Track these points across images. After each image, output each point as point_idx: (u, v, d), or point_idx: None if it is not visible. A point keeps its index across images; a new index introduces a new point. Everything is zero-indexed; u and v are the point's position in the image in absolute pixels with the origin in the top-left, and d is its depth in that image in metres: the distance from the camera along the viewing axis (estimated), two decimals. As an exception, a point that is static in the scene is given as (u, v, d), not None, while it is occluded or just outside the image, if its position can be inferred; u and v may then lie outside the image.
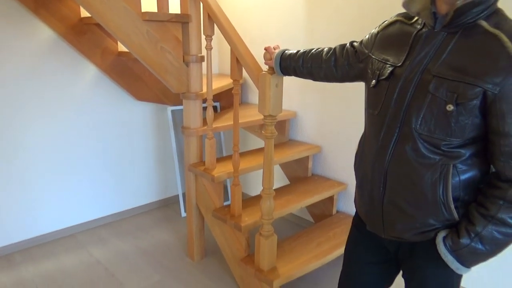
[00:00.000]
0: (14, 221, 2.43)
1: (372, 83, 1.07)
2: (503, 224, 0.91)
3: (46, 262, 2.35)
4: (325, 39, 2.44)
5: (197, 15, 2.03)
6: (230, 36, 1.84)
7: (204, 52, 2.15)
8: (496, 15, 0.91)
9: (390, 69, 1.02)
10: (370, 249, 1.22)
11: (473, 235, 0.94)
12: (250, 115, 2.56)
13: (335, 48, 1.34)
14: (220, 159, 2.34)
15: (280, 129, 2.76)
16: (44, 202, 2.53)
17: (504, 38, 0.86)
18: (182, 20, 2.00)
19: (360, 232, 1.24)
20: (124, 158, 2.87)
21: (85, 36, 2.42)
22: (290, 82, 2.70)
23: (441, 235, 0.99)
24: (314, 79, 1.45)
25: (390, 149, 1.01)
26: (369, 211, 1.12)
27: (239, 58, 1.83)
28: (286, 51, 1.51)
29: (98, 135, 2.70)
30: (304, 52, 1.44)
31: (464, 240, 0.95)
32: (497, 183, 0.94)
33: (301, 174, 2.69)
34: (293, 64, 1.47)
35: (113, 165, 2.82)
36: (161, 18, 1.93)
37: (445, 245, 0.98)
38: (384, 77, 1.03)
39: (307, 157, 2.62)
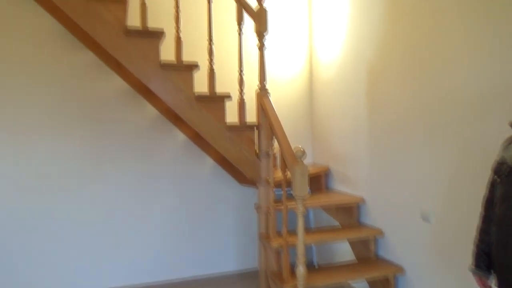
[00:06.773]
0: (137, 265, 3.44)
1: (496, 179, 1.48)
2: None
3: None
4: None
5: (266, 124, 2.81)
6: (279, 138, 2.53)
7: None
8: None
9: (508, 169, 1.42)
10: None
11: None
12: (328, 198, 3.13)
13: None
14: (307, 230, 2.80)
15: (350, 213, 3.15)
16: (156, 254, 3.49)
17: None
18: (255, 127, 2.82)
19: None
20: (229, 230, 3.67)
21: (203, 139, 3.47)
22: (359, 170, 3.13)
23: None
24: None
25: None
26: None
27: (282, 154, 2.49)
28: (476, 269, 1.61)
29: (209, 208, 3.61)
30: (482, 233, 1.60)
31: None
32: None
33: (365, 254, 2.96)
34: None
35: (215, 234, 3.64)
36: (239, 128, 2.78)
37: None
38: (504, 174, 1.43)
39: (370, 239, 2.90)
